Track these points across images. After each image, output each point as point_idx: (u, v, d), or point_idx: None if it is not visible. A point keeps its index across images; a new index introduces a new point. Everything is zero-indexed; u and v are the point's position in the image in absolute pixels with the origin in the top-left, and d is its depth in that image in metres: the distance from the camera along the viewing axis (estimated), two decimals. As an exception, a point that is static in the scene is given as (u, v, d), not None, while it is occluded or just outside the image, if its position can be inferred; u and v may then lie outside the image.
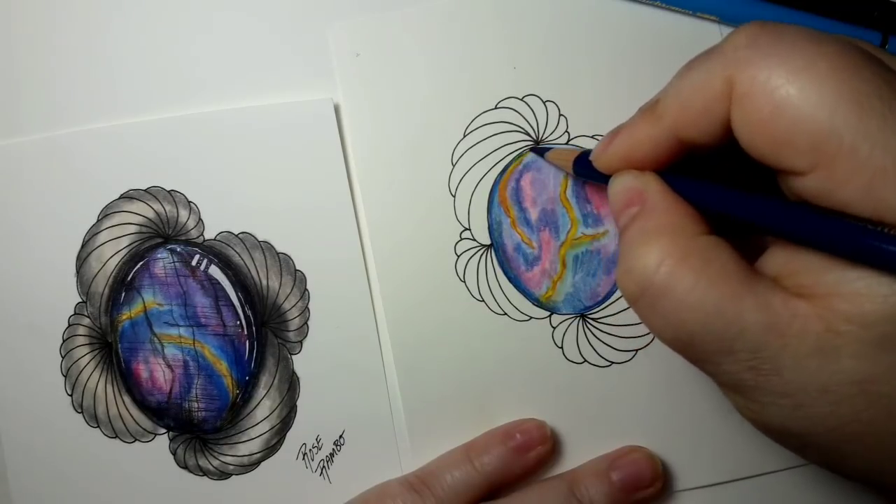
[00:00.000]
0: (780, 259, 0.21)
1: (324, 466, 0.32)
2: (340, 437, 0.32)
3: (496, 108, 0.32)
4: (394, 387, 0.32)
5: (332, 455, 0.32)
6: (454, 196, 0.32)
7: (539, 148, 0.32)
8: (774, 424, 0.20)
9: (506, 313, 0.32)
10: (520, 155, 0.32)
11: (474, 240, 0.32)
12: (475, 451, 0.31)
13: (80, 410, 0.33)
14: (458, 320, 0.32)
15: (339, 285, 0.32)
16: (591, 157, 0.25)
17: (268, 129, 0.32)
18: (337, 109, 0.32)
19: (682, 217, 0.22)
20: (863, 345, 0.18)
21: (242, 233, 0.32)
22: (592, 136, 0.32)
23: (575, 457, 0.32)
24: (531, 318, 0.32)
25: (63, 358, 0.33)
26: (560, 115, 0.32)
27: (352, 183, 0.32)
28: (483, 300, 0.32)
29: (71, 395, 0.33)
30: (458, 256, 0.32)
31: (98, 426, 0.33)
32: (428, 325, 0.32)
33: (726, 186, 0.21)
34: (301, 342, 0.32)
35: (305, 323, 0.32)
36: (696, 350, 0.21)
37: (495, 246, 0.32)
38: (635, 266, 0.21)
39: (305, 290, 0.32)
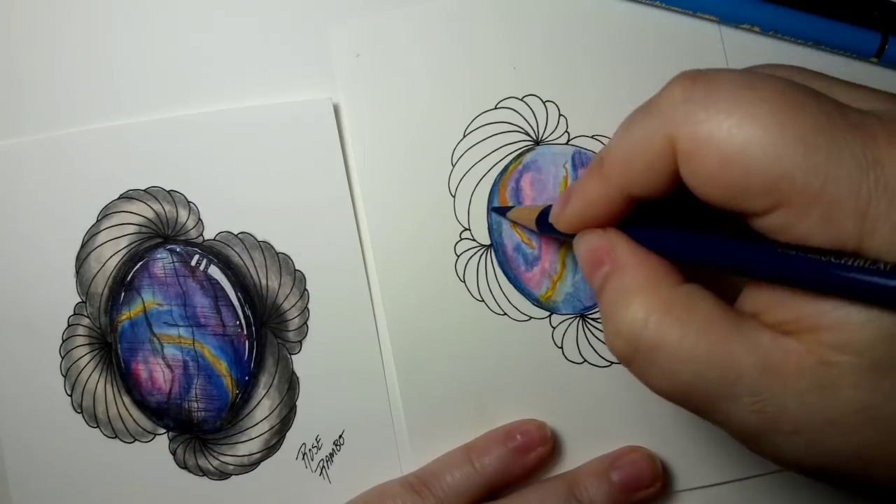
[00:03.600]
0: (759, 297, 0.21)
1: (323, 466, 0.32)
2: (340, 437, 0.32)
3: (496, 108, 0.32)
4: (394, 387, 0.32)
5: (331, 455, 0.32)
6: (454, 196, 0.32)
7: (500, 208, 0.32)
8: (790, 462, 0.20)
9: (506, 313, 0.32)
10: (519, 155, 0.32)
11: (474, 240, 0.32)
12: (475, 451, 0.31)
13: (79, 411, 0.33)
14: (458, 320, 0.32)
15: (338, 285, 0.32)
16: (551, 219, 0.25)
17: (267, 129, 0.32)
18: (337, 109, 0.32)
19: (655, 269, 0.22)
20: (859, 373, 0.18)
21: (242, 233, 0.32)
22: (592, 136, 0.32)
23: (575, 457, 0.32)
24: (531, 318, 0.32)
25: (63, 358, 0.33)
26: (560, 115, 0.32)
27: (351, 183, 0.32)
28: (483, 300, 0.32)
29: (70, 396, 0.33)
30: (458, 256, 0.32)
31: (98, 426, 0.33)
32: (428, 325, 0.32)
33: (688, 232, 0.21)
34: (301, 342, 0.32)
35: (305, 323, 0.32)
36: (698, 400, 0.21)
37: (495, 246, 0.32)
38: (622, 326, 0.21)
39: (305, 290, 0.32)
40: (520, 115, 0.32)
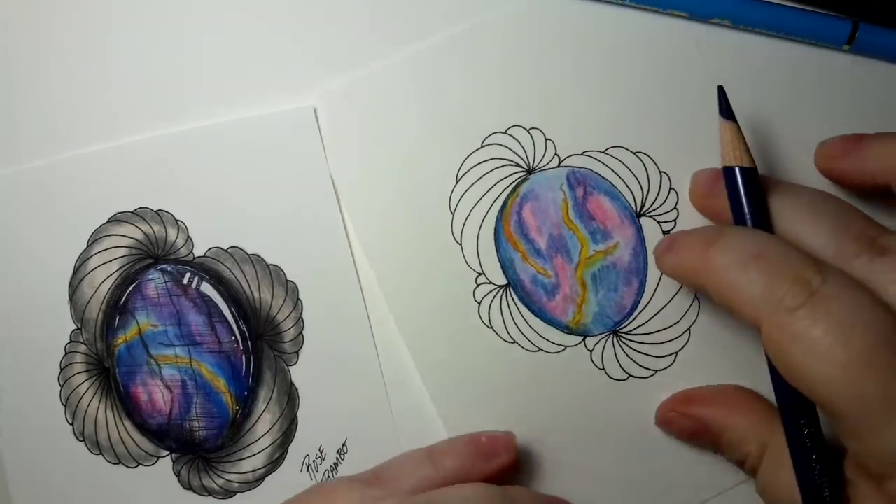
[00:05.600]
0: None
1: (328, 476, 0.32)
2: (343, 445, 0.32)
3: (482, 146, 0.32)
4: (394, 389, 0.32)
5: (336, 464, 0.32)
6: (460, 244, 0.32)
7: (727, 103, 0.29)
8: None
9: (540, 349, 0.32)
10: (515, 187, 0.32)
11: (490, 282, 0.32)
12: (438, 453, 0.30)
13: (81, 438, 0.33)
14: (493, 366, 0.32)
15: (331, 293, 0.32)
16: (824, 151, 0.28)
17: (249, 143, 0.32)
18: (317, 115, 0.32)
19: None
20: None
21: (232, 247, 0.32)
22: (582, 154, 0.32)
23: (644, 467, 0.31)
24: (565, 346, 0.32)
25: (62, 386, 0.33)
26: (546, 139, 0.32)
27: (337, 191, 0.32)
28: (515, 341, 0.32)
29: (72, 424, 0.33)
30: (479, 303, 0.32)
31: (101, 453, 0.33)
32: (467, 377, 0.32)
33: None
34: (297, 353, 0.32)
35: (300, 333, 0.32)
36: (875, 372, 0.20)
37: (512, 283, 0.32)
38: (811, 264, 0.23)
39: (298, 300, 0.32)
40: (507, 148, 0.32)
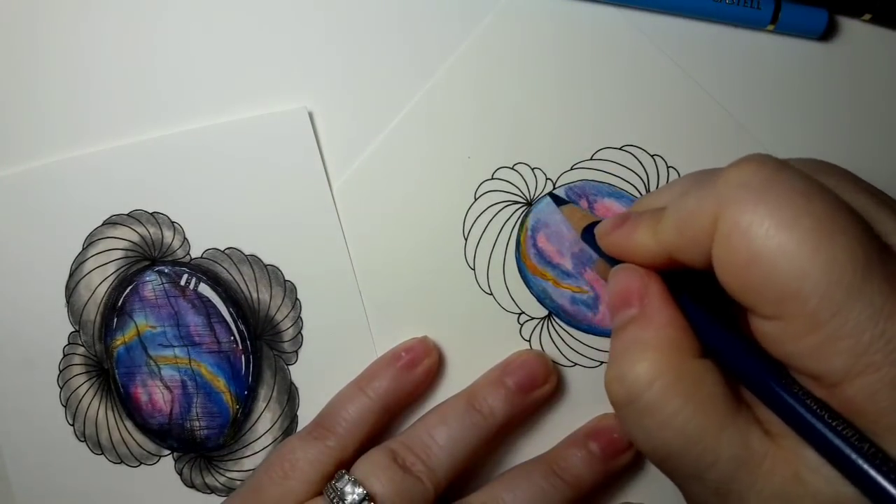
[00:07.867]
0: None
1: (329, 473, 0.32)
2: (343, 442, 0.32)
3: (476, 199, 0.32)
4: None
5: (336, 461, 0.32)
6: (492, 294, 0.32)
7: (557, 198, 0.31)
8: None
9: (602, 361, 0.32)
10: (522, 224, 0.32)
11: (532, 317, 0.32)
12: (365, 380, 0.30)
13: (83, 439, 0.33)
14: (567, 392, 0.32)
15: (329, 293, 0.32)
16: (596, 232, 0.25)
17: (244, 144, 0.32)
18: (311, 117, 0.32)
19: (678, 333, 0.22)
20: (820, 501, 0.19)
21: (229, 248, 0.32)
22: (571, 168, 0.31)
23: None
24: None
25: (61, 388, 0.33)
26: (532, 169, 0.32)
27: (332, 189, 0.32)
28: (576, 363, 0.32)
29: (73, 425, 0.33)
30: (529, 340, 0.32)
31: (102, 453, 0.33)
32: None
33: (715, 318, 0.22)
34: (297, 352, 0.32)
35: (299, 332, 0.32)
36: (670, 468, 0.21)
37: (553, 311, 0.32)
38: (627, 375, 0.21)
39: (296, 299, 0.32)
40: (502, 191, 0.32)
